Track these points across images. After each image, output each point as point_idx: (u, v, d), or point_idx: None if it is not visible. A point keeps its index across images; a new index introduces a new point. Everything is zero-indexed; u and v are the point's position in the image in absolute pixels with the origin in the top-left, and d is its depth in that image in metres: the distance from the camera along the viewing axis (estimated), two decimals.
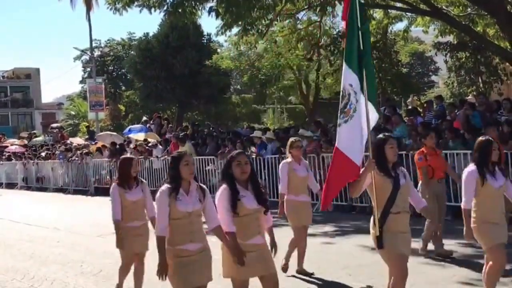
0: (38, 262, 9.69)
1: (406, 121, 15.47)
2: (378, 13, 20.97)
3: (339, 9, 20.37)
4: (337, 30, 23.84)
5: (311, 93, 31.30)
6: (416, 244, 9.51)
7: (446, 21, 18.67)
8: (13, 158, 30.24)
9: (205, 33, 42.04)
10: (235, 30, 18.84)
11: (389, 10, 20.36)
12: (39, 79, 76.13)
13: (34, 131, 47.89)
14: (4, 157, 30.06)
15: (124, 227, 6.79)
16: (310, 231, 11.25)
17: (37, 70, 76.45)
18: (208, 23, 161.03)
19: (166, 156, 19.52)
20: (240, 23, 17.53)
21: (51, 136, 35.42)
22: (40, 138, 37.01)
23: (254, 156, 16.22)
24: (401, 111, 22.87)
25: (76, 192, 23.79)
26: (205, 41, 41.65)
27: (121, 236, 6.77)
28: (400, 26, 23.56)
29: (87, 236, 12.19)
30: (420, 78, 52.72)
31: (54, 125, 42.47)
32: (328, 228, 11.61)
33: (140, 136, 23.23)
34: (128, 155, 21.28)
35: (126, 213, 6.82)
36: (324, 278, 7.60)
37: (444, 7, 19.16)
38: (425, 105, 18.00)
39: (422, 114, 16.37)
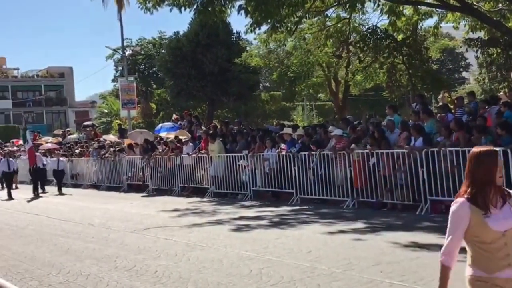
0: (73, 257, 9.85)
1: (437, 117, 15.36)
2: (408, 10, 20.81)
3: (368, 5, 20.32)
4: (366, 26, 23.76)
5: (340, 90, 31.15)
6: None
7: (477, 17, 18.47)
8: (48, 156, 30.66)
9: (234, 31, 42.15)
10: (264, 27, 18.92)
11: (419, 6, 20.20)
12: (72, 78, 77.21)
13: (68, 129, 48.65)
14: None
15: (486, 280, 3.57)
16: (340, 227, 11.36)
17: (71, 69, 77.55)
18: (238, 21, 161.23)
19: (197, 153, 19.71)
20: (269, 20, 17.60)
21: (84, 133, 35.95)
22: (74, 136, 37.57)
23: (284, 153, 16.30)
24: (432, 107, 22.70)
25: (109, 188, 24.11)
26: (234, 39, 41.73)
27: None
28: (430, 22, 23.36)
29: (121, 232, 12.37)
30: (451, 74, 52.24)
31: (87, 123, 43.10)
32: (359, 225, 11.61)
33: (170, 135, 23.45)
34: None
35: (489, 253, 3.56)
36: (355, 274, 7.63)
37: (474, 2, 18.95)
38: (455, 101, 17.85)
39: (453, 111, 16.24)
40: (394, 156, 13.35)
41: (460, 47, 33.90)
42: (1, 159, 27.01)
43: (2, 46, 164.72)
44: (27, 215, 17.06)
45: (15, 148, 35.60)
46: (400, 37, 21.71)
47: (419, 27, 23.18)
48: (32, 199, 22.15)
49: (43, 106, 72.61)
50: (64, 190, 24.70)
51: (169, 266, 8.65)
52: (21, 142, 39.63)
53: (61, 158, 26.10)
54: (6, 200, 22.04)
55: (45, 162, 25.65)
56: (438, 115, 15.91)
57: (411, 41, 21.83)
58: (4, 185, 25.26)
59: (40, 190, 23.89)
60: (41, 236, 12.50)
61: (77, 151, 28.90)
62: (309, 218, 13.03)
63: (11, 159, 26.15)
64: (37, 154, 25.43)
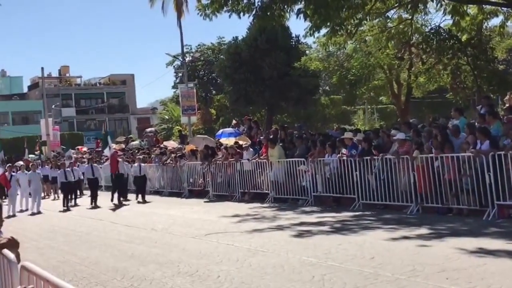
0: (137, 262, 9.99)
1: (504, 119, 14.84)
2: (472, 9, 20.30)
3: (431, 6, 19.91)
4: (429, 27, 23.27)
5: (402, 92, 30.65)
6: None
7: None
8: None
9: (293, 35, 42.12)
10: (323, 31, 18.80)
11: (483, 5, 19.65)
12: (134, 85, 78.99)
13: (131, 136, 49.69)
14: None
15: None
16: (404, 233, 11.11)
17: (132, 76, 79.32)
18: (297, 25, 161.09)
19: (257, 159, 19.71)
20: (328, 23, 17.47)
21: (146, 140, 36.59)
22: (136, 142, 38.30)
23: (345, 158, 16.10)
24: (499, 109, 22.02)
25: (171, 194, 24.38)
26: (293, 43, 41.71)
27: None
28: (495, 21, 22.73)
29: (183, 237, 12.47)
30: None
31: (149, 129, 43.90)
32: (423, 230, 11.32)
33: (231, 141, 23.54)
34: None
35: None
36: (420, 281, 7.43)
37: None
38: None
39: None
40: (460, 160, 12.97)
41: None
42: (79, 164, 27.11)
43: (65, 55, 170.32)
44: (91, 221, 17.47)
45: (79, 155, 36.48)
46: (464, 37, 21.18)
47: (484, 26, 22.56)
48: (116, 207, 21.37)
49: (106, 113, 74.43)
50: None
51: (231, 271, 8.65)
52: (85, 149, 40.79)
53: (142, 164, 24.70)
54: (91, 208, 21.55)
55: (126, 169, 24.35)
56: (505, 117, 15.38)
57: (476, 41, 21.28)
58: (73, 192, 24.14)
59: (121, 198, 22.84)
60: (105, 242, 12.75)
61: (119, 159, 29.13)
62: (371, 224, 12.81)
63: (95, 165, 25.33)
64: (119, 160, 24.18)
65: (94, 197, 22.48)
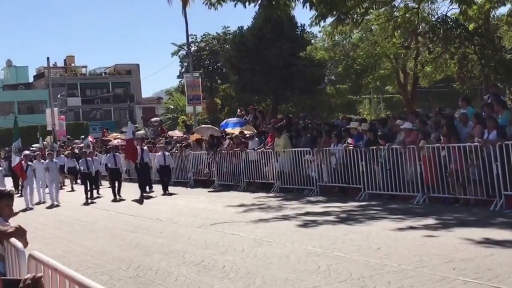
0: (142, 252, 9.99)
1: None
2: None
3: None
4: (436, 16, 23.13)
5: (409, 82, 30.48)
6: None
7: None
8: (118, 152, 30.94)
9: (299, 24, 41.94)
10: (329, 20, 18.68)
11: None
12: (139, 74, 78.92)
13: (136, 125, 49.63)
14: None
15: None
16: (410, 223, 11.07)
17: (137, 66, 79.30)
18: (302, 14, 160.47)
19: (262, 149, 19.66)
20: (334, 12, 17.37)
21: (151, 129, 36.57)
22: (142, 132, 38.28)
23: (351, 148, 16.04)
24: (506, 98, 21.88)
25: (176, 183, 24.35)
26: (299, 32, 41.52)
27: None
28: (503, 10, 22.54)
29: (188, 227, 12.46)
30: None
31: (154, 119, 43.85)
32: (430, 221, 11.27)
33: (236, 130, 23.49)
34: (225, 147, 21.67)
35: None
36: (427, 272, 7.38)
37: None
38: None
39: None
40: (467, 150, 12.89)
41: None
42: (98, 153, 26.69)
43: (71, 45, 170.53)
44: (97, 211, 17.50)
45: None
46: (471, 26, 21.03)
47: (491, 15, 22.39)
48: (141, 200, 19.55)
49: (111, 103, 74.52)
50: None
51: (236, 261, 8.63)
52: (90, 138, 40.79)
53: (166, 153, 22.92)
54: (113, 201, 19.99)
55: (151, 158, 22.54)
56: None
57: (483, 30, 21.14)
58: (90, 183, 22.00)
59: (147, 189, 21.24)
60: (111, 231, 12.75)
61: (145, 147, 29.25)
62: (377, 214, 12.77)
63: (117, 154, 23.17)
64: (144, 148, 22.49)
65: (117, 188, 20.81)
